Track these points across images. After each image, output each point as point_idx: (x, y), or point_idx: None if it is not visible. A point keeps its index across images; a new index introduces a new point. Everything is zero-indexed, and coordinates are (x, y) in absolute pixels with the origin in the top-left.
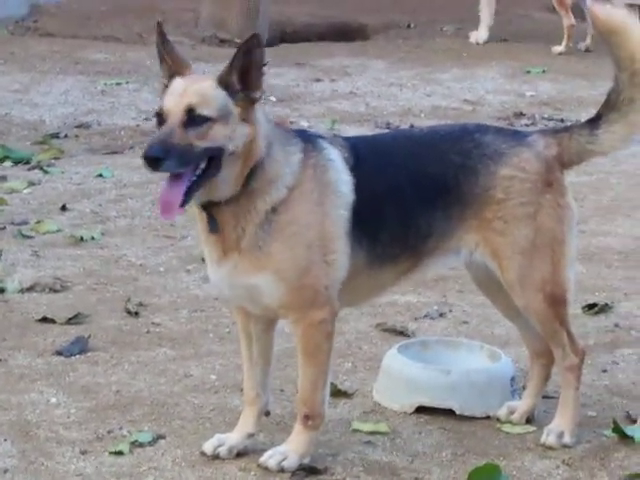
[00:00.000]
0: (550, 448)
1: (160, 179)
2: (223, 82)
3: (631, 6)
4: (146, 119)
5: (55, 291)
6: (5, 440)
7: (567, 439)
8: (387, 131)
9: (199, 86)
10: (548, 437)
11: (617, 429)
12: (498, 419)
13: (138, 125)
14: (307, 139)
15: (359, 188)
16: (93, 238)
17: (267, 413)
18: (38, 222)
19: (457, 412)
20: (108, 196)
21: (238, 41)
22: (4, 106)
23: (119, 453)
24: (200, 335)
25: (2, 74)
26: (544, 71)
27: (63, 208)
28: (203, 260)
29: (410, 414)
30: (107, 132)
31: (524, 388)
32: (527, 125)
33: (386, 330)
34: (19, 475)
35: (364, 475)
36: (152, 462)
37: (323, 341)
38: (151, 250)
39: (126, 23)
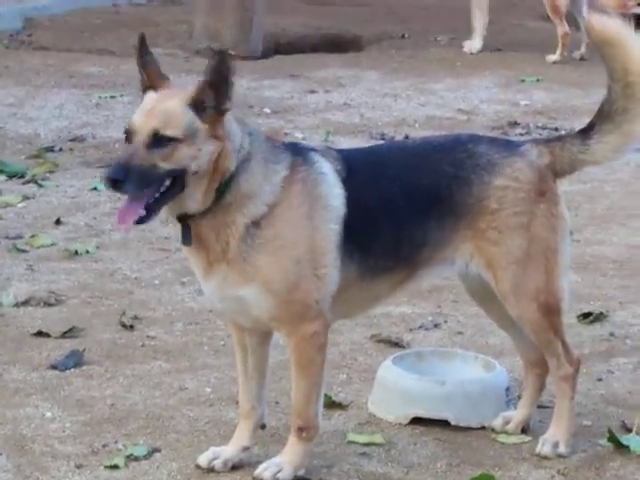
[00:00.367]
0: (545, 458)
1: None
2: (192, 101)
3: (625, 15)
4: None
5: (50, 305)
6: (0, 454)
7: (562, 449)
8: (382, 142)
9: (166, 105)
10: (543, 447)
11: (612, 438)
12: (493, 429)
13: None
14: (298, 152)
15: (351, 201)
16: (88, 252)
17: (263, 426)
18: (33, 236)
19: (452, 423)
20: (103, 209)
21: (232, 53)
22: None
23: (114, 467)
24: (195, 348)
25: None
26: (538, 80)
27: (58, 222)
28: None
29: (405, 425)
30: (102, 145)
31: (519, 398)
32: (521, 134)
33: (381, 341)
34: None
35: None
36: (147, 476)
37: (316, 354)
38: (146, 263)
39: (120, 36)
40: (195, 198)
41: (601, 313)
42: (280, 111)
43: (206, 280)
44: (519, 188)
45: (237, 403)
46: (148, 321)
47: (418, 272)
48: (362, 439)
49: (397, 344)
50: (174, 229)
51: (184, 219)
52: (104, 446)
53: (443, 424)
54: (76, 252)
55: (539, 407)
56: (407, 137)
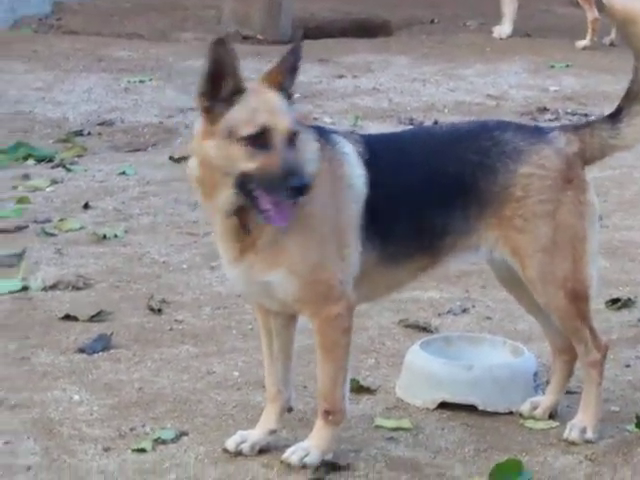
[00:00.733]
0: (573, 443)
1: (184, 177)
2: (284, 92)
3: None
4: (169, 116)
5: (78, 289)
6: (28, 438)
7: (590, 434)
8: (410, 127)
9: (281, 101)
10: (571, 432)
11: None
12: (521, 415)
13: (161, 122)
14: (321, 134)
15: (373, 183)
16: (116, 236)
17: (290, 409)
18: (61, 220)
19: (480, 408)
20: (131, 194)
21: (261, 37)
22: (27, 104)
23: (142, 450)
24: (223, 332)
25: (26, 72)
26: (568, 66)
27: (86, 206)
28: None
29: (433, 410)
30: (130, 129)
31: (547, 383)
32: (551, 120)
33: (409, 326)
34: (42, 472)
35: (387, 471)
36: (175, 459)
37: (340, 336)
38: (174, 247)
39: (149, 20)
40: None
41: (629, 299)
42: (309, 96)
43: (233, 267)
44: (545, 176)
45: (264, 387)
46: (176, 305)
47: (441, 259)
48: (390, 424)
49: (425, 329)
50: (223, 220)
51: (237, 213)
52: (132, 429)
53: (470, 409)
54: (104, 236)
55: (567, 393)
56: (436, 122)
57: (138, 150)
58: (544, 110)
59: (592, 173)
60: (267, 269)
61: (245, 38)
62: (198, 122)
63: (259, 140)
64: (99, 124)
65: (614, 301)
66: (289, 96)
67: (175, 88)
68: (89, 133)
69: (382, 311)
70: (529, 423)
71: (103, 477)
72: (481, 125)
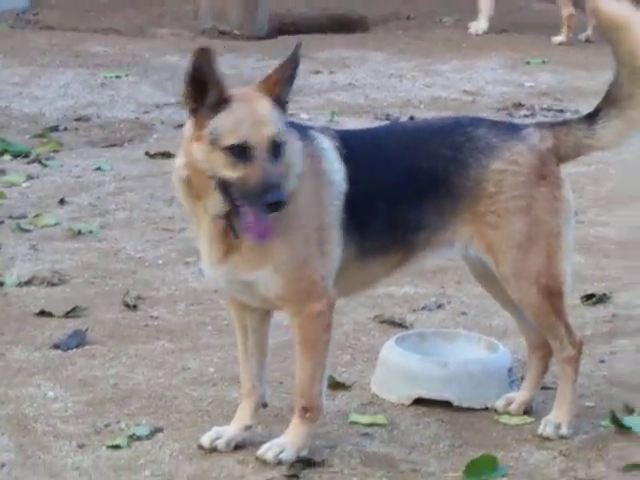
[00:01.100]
0: (547, 439)
1: (160, 173)
2: (276, 100)
3: None
4: (145, 112)
5: (53, 284)
6: (2, 434)
7: (564, 430)
8: (386, 123)
9: (269, 112)
10: (546, 428)
11: (615, 420)
12: (496, 410)
13: (137, 118)
14: (298, 129)
15: (351, 178)
16: (91, 231)
17: (265, 405)
18: (36, 216)
19: (455, 404)
20: (107, 189)
21: (237, 33)
22: (4, 99)
23: (117, 447)
24: (198, 328)
25: (2, 67)
26: (544, 62)
27: (62, 201)
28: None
29: (408, 406)
30: (106, 125)
31: (522, 379)
32: (526, 116)
33: (384, 322)
34: (16, 469)
35: (362, 467)
36: (150, 455)
37: (321, 333)
38: (150, 243)
39: (126, 16)
40: None
41: (604, 294)
42: None
43: (217, 268)
44: (518, 172)
45: (240, 383)
46: (151, 301)
47: (416, 254)
48: (365, 420)
49: (400, 325)
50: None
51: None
52: (106, 426)
53: (446, 405)
54: (80, 232)
55: (542, 388)
56: (412, 118)
57: (114, 145)
58: (520, 106)
59: (567, 169)
60: (252, 269)
61: (222, 33)
62: (188, 123)
63: (240, 151)
64: (75, 119)
65: (589, 297)
66: (282, 105)
67: (151, 84)
68: (65, 128)
69: (357, 307)
70: (504, 419)
71: (78, 473)
72: (455, 121)
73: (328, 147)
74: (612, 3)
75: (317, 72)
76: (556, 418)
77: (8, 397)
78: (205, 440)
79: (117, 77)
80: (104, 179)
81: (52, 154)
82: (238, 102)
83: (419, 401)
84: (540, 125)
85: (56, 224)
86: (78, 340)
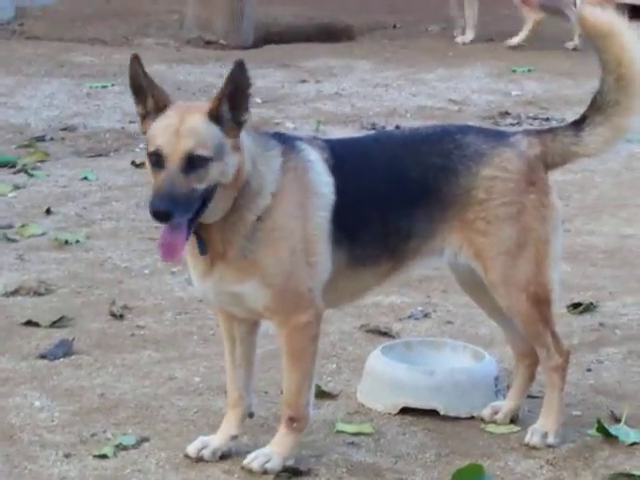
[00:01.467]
0: (534, 448)
1: (146, 182)
2: (214, 115)
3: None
4: (131, 122)
5: (39, 294)
6: None
7: (551, 439)
8: (372, 132)
9: (193, 125)
10: (532, 437)
11: (601, 428)
12: (482, 419)
13: (123, 128)
14: (285, 141)
15: (339, 189)
16: (78, 241)
17: (251, 415)
18: (23, 226)
19: (441, 413)
20: (93, 199)
21: (223, 42)
22: None
23: (103, 456)
24: (184, 337)
25: None
26: (530, 70)
27: (48, 211)
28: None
29: (394, 415)
30: (92, 135)
31: (508, 388)
32: (512, 124)
33: (370, 331)
34: (3, 479)
35: (348, 476)
36: (136, 465)
37: (308, 344)
38: (136, 253)
39: (112, 25)
40: (217, 210)
41: (591, 303)
42: (271, 101)
43: (204, 280)
44: (508, 178)
45: (226, 393)
46: (138, 311)
47: (406, 263)
48: (351, 429)
49: (386, 334)
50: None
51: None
52: (93, 435)
53: (432, 414)
54: (66, 242)
55: (529, 397)
56: (398, 127)
57: (100, 155)
58: (506, 114)
59: (554, 177)
60: (238, 280)
61: (208, 43)
62: None
63: (156, 159)
64: (61, 129)
65: (575, 305)
66: (225, 122)
67: None
68: (51, 138)
69: (343, 316)
70: (490, 428)
71: None
72: (443, 128)
73: (315, 159)
74: (597, 11)
75: (303, 81)
76: (543, 427)
77: None
78: (191, 450)
79: (103, 87)
80: (90, 189)
81: (38, 164)
82: (170, 112)
83: (405, 410)
84: (527, 132)
85: (42, 234)
86: (64, 350)
